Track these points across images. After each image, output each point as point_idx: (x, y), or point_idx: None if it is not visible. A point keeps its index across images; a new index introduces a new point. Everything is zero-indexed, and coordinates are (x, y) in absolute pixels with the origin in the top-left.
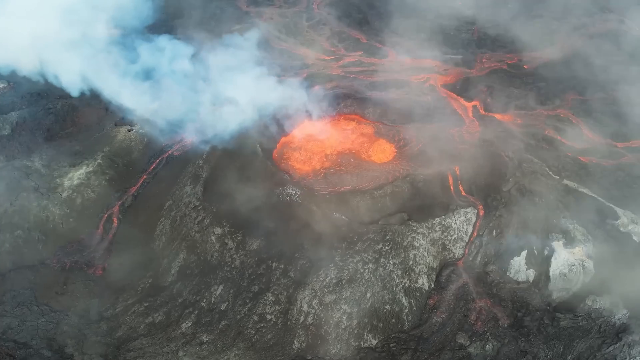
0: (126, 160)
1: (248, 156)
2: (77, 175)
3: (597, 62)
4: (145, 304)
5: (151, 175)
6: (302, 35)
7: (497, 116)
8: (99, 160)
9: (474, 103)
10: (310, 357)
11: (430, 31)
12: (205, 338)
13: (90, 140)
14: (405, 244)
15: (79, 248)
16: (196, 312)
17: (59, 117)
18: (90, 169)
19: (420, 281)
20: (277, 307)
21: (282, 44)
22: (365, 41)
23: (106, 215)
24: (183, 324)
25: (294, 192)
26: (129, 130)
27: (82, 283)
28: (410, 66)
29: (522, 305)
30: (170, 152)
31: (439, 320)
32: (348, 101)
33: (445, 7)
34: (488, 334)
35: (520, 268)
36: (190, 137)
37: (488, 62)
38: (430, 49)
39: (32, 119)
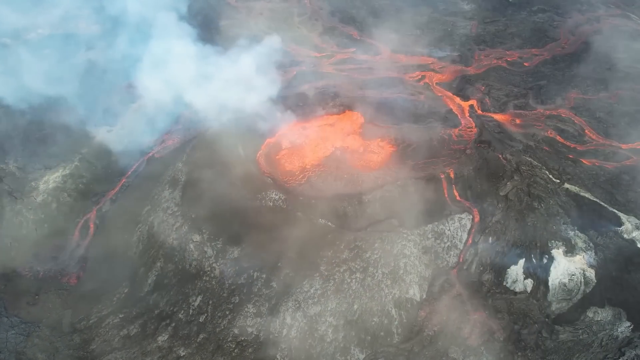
0: (105, 163)
1: (230, 158)
2: (52, 178)
3: (601, 60)
4: (120, 316)
5: (131, 178)
6: (292, 31)
7: (495, 116)
8: (76, 163)
9: (470, 102)
10: None
11: (427, 27)
12: (182, 352)
13: (68, 141)
14: (395, 252)
15: (53, 255)
16: (173, 324)
17: (35, 118)
18: (67, 171)
19: (411, 291)
20: (258, 319)
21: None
22: (359, 37)
23: (82, 220)
24: (159, 337)
25: (277, 196)
26: (108, 131)
27: (55, 293)
28: (404, 63)
29: (519, 318)
30: (151, 153)
31: (430, 333)
32: (338, 100)
33: (442, 2)
34: (483, 348)
35: (517, 277)
36: (172, 137)
37: (486, 59)
38: (426, 46)
39: (7, 119)
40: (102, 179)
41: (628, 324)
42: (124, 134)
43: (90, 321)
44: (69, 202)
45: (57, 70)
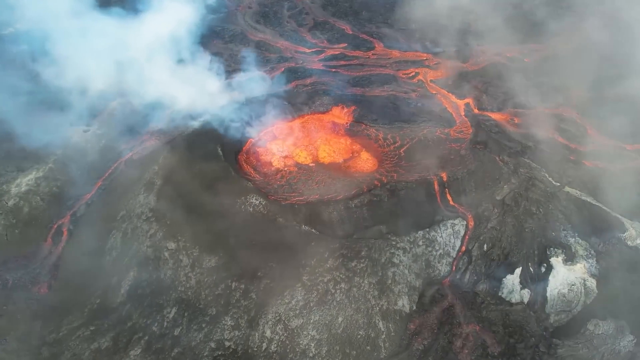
0: (81, 165)
1: (208, 161)
2: (25, 181)
3: (605, 56)
4: (91, 328)
5: (107, 181)
6: (282, 26)
7: (493, 115)
8: (50, 165)
9: (466, 100)
10: None
11: (423, 21)
12: None
13: (42, 142)
14: (383, 260)
15: (23, 263)
16: (146, 337)
17: (8, 117)
18: (41, 174)
19: (399, 303)
20: (236, 332)
21: (260, 36)
22: (351, 32)
23: (56, 225)
24: (132, 351)
25: (257, 201)
26: (85, 131)
27: (25, 303)
28: (397, 59)
29: (515, 331)
30: (129, 155)
31: (420, 347)
32: (326, 99)
33: None
34: None
35: (513, 287)
36: (152, 138)
37: (484, 55)
38: (421, 41)
39: None
40: (78, 182)
41: (631, 337)
42: (102, 134)
43: (60, 333)
44: (42, 206)
45: None
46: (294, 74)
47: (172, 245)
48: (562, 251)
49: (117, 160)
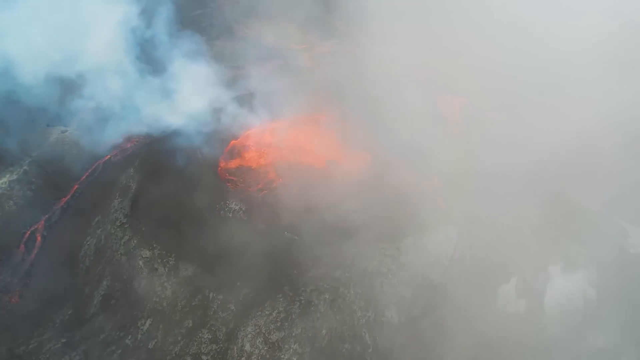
0: (57, 167)
1: (187, 163)
2: None
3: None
4: (62, 340)
5: (84, 185)
6: (271, 22)
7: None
8: (25, 167)
9: (463, 99)
10: None
11: (420, 16)
12: None
13: (17, 143)
14: (370, 269)
15: None
16: (119, 351)
17: None
18: (15, 177)
19: (387, 314)
20: (214, 345)
21: (247, 32)
22: (344, 28)
23: (29, 231)
24: None
25: (237, 207)
26: (62, 132)
27: None
28: (392, 56)
29: (510, 343)
30: (108, 157)
31: None
32: (315, 98)
33: None
34: None
35: (509, 297)
36: (133, 139)
37: None
38: (418, 37)
39: None
40: (54, 186)
41: (633, 351)
42: (80, 134)
43: (30, 346)
44: (15, 211)
45: None
46: (282, 71)
47: (147, 253)
48: (561, 259)
49: (94, 162)
